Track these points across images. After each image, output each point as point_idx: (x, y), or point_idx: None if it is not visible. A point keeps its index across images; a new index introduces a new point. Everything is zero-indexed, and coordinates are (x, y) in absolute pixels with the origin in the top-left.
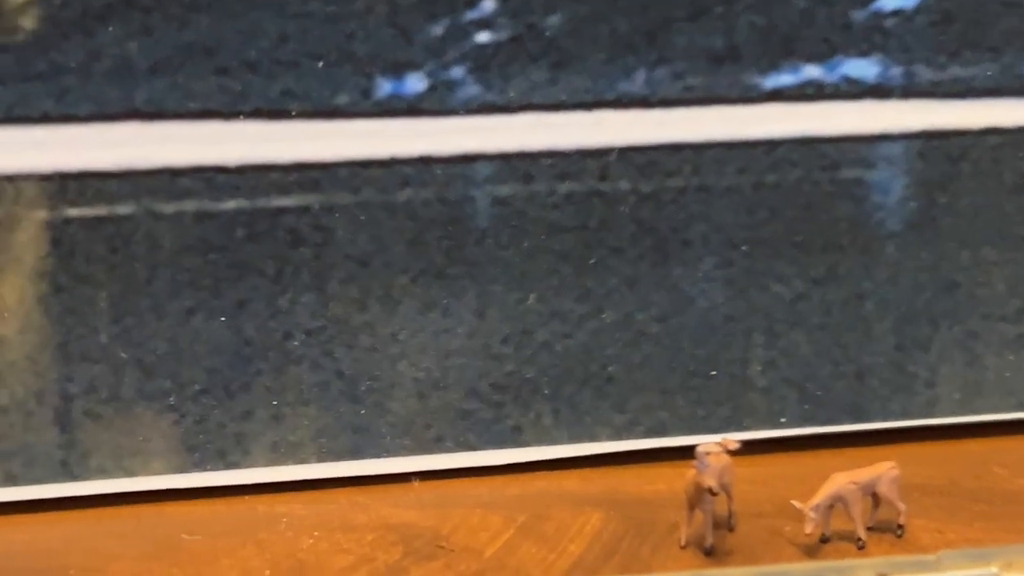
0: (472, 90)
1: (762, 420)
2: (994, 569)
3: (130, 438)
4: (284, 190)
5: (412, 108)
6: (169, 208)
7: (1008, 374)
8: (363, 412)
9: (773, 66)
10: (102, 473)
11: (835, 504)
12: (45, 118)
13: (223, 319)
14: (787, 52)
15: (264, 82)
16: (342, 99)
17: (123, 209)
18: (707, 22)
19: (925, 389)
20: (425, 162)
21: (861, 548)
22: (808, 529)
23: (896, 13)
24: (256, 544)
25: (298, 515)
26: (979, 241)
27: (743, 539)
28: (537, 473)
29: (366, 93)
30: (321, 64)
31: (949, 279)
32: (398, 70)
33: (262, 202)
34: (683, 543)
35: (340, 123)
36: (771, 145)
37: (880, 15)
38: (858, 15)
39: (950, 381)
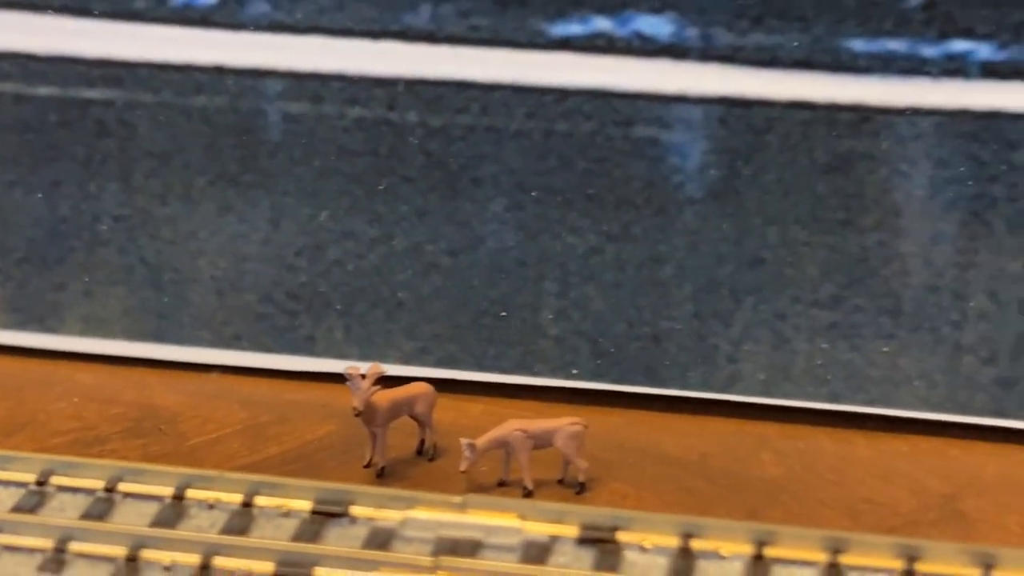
0: (261, 7)
1: (553, 369)
2: (515, 522)
3: None
4: (90, 83)
5: (204, 19)
6: None
7: (819, 362)
8: (165, 300)
9: (561, 14)
10: None
11: (508, 450)
12: None
13: (40, 196)
14: (575, 2)
15: None
16: (139, 3)
17: None
18: None
19: (726, 363)
20: (218, 71)
21: (527, 496)
22: (462, 466)
23: None
24: (17, 399)
25: (82, 383)
26: (788, 219)
27: (430, 469)
28: (324, 384)
29: (161, 0)
30: None
31: (754, 255)
32: None
33: (71, 92)
34: (365, 462)
35: (138, 26)
36: (561, 94)
37: None
38: None
39: (754, 360)
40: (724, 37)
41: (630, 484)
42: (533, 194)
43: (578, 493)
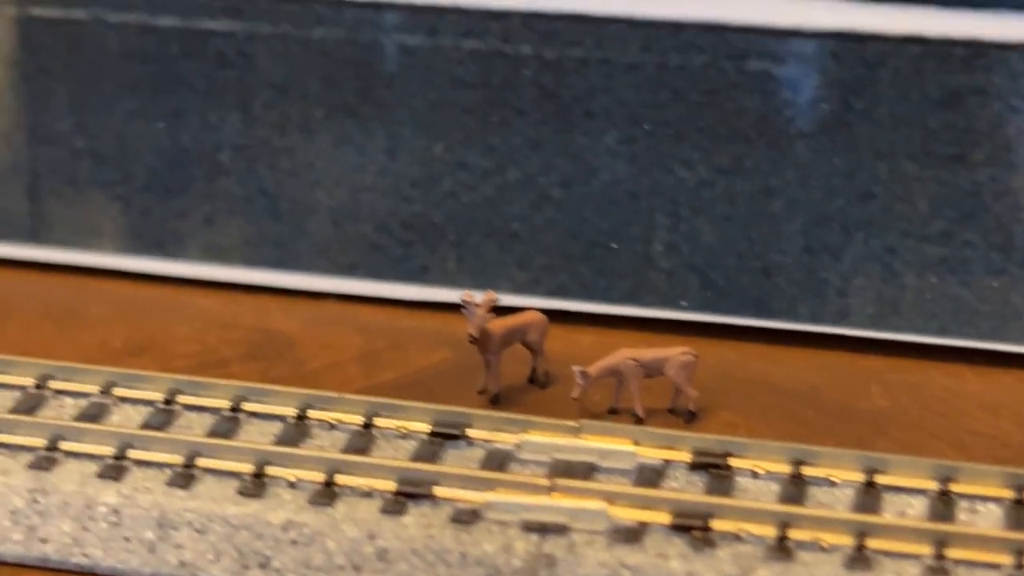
0: None
1: (663, 300)
2: (629, 447)
3: (85, 218)
4: (212, 14)
5: None
6: (115, 18)
7: (929, 296)
8: (284, 229)
9: None
10: (61, 243)
11: (619, 378)
12: None
13: (162, 125)
14: None
15: None
16: None
17: (77, 14)
18: None
19: (836, 297)
20: (337, 4)
21: (638, 424)
22: (574, 393)
23: None
24: (140, 323)
25: (203, 308)
26: (899, 154)
27: (543, 396)
28: (437, 313)
29: None
30: None
31: (864, 189)
32: None
33: (193, 23)
34: (478, 388)
35: None
36: (675, 27)
37: None
38: None
39: (864, 293)
40: None
41: (739, 414)
42: (645, 127)
43: (688, 422)
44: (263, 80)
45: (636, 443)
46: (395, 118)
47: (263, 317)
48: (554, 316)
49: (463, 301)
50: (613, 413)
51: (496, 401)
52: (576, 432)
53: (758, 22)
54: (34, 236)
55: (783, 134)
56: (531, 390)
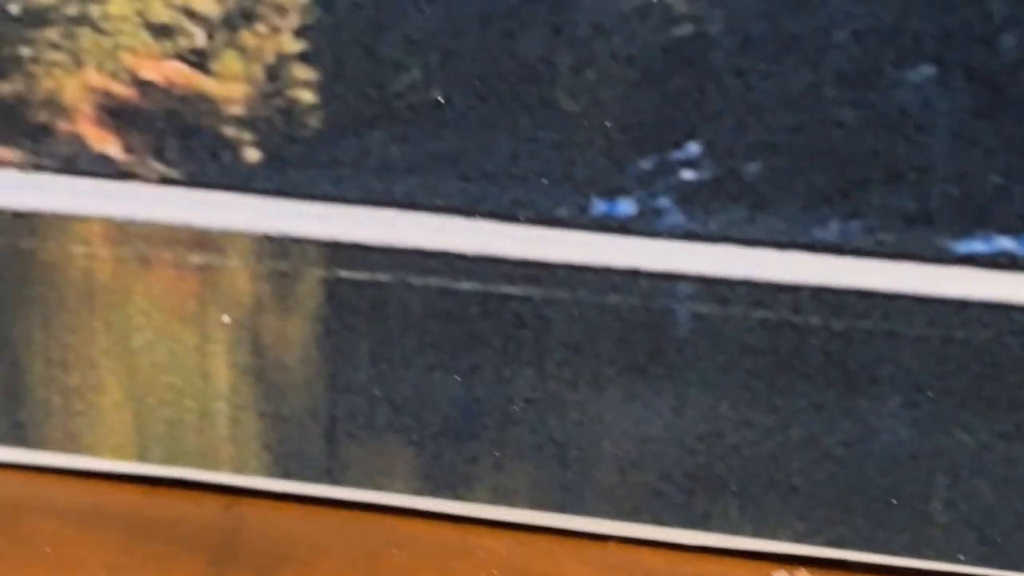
0: (676, 218)
1: (940, 553)
2: None
3: (379, 460)
4: (511, 280)
5: (622, 227)
6: (418, 282)
7: None
8: (570, 476)
9: (966, 233)
10: (356, 484)
11: None
12: (325, 197)
13: (457, 378)
14: (981, 222)
15: (498, 190)
16: (562, 212)
17: (383, 277)
18: (902, 186)
19: None
20: (632, 275)
21: None
22: None
23: None
24: (439, 570)
25: (494, 551)
26: None
27: None
28: (720, 557)
29: (583, 209)
30: (546, 181)
31: None
32: (611, 194)
33: (493, 288)
34: None
35: (560, 232)
36: (961, 305)
37: None
38: None
39: None
40: None
41: None
42: (929, 394)
43: None
44: (557, 341)
45: None
46: (683, 378)
47: (553, 562)
48: (832, 565)
49: None
50: None
51: None
52: None
53: None
54: (330, 476)
55: None
56: None
